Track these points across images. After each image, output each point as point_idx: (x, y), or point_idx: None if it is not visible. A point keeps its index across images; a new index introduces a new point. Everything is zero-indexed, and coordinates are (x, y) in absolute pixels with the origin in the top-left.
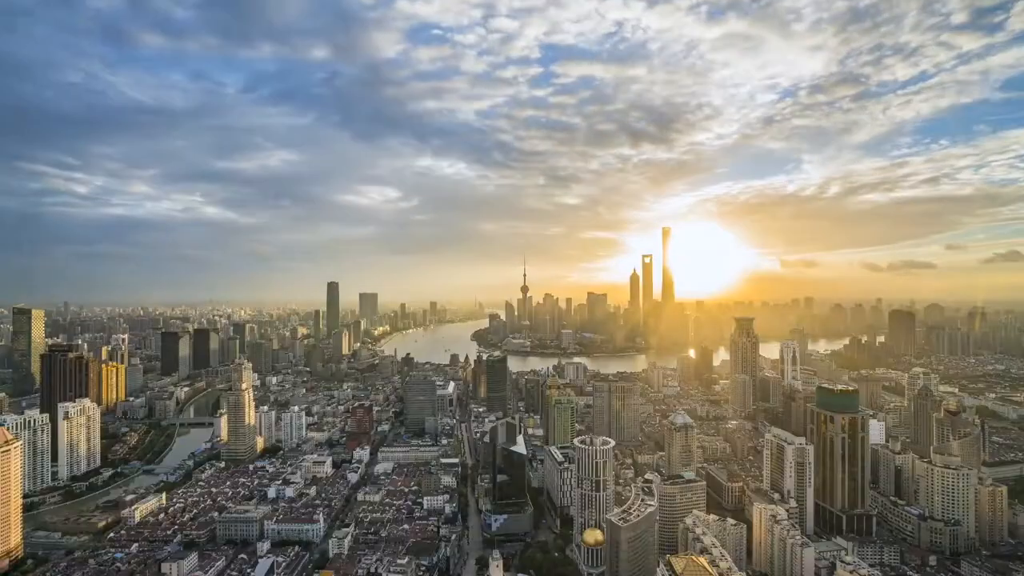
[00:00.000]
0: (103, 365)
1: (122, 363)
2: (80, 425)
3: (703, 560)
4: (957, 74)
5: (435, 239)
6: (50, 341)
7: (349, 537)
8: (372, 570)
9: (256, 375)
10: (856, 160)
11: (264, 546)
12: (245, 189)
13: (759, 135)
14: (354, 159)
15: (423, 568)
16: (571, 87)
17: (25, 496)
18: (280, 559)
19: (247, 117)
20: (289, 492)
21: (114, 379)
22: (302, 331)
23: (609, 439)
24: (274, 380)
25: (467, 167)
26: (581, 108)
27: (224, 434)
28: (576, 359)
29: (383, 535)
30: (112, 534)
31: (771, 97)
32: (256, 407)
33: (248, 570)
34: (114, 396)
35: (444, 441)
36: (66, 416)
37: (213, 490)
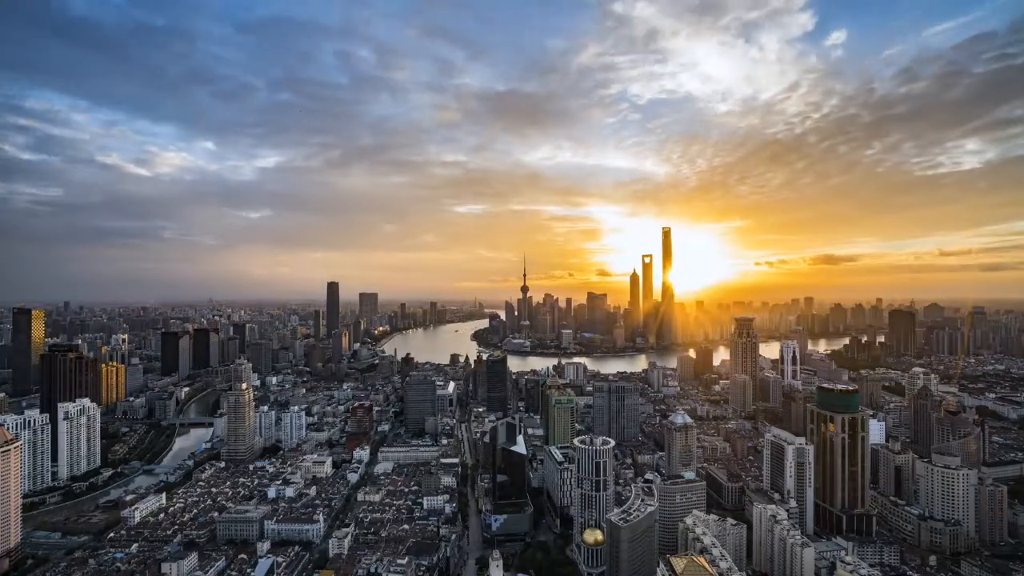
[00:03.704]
0: (103, 365)
1: (122, 363)
2: (80, 425)
3: (703, 560)
4: None
5: None
6: (50, 341)
7: (349, 537)
8: (372, 570)
9: (256, 375)
10: None
11: (264, 546)
12: None
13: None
14: None
15: (423, 568)
16: None
17: (25, 496)
18: (280, 559)
19: None
20: (289, 492)
21: (114, 379)
22: (302, 331)
23: (609, 439)
24: (274, 380)
25: None
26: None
27: (224, 434)
28: (576, 359)
29: (383, 535)
30: (112, 534)
31: None
32: (256, 407)
33: (248, 570)
34: (114, 396)
35: (444, 441)
36: (66, 416)
37: (213, 490)
